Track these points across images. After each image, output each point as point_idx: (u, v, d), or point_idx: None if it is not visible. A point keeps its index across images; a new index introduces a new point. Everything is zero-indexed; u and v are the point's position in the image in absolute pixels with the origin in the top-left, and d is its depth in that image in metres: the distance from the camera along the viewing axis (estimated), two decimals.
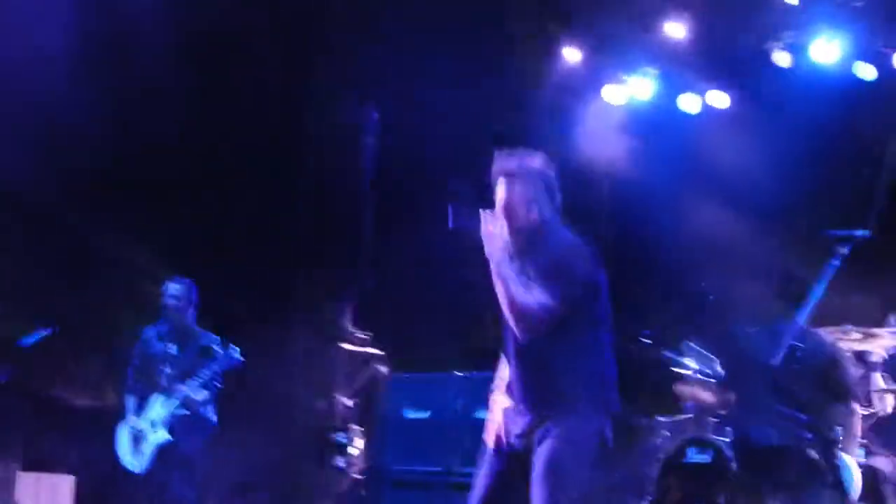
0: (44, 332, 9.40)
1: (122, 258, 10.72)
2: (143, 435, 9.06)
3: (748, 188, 10.79)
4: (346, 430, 11.42)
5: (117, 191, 11.10)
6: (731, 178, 11.03)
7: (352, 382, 11.71)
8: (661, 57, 12.17)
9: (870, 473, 8.36)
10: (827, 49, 11.08)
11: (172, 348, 9.30)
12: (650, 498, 9.21)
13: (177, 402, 9.12)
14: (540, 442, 5.55)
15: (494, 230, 5.44)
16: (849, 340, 8.22)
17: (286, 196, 12.04)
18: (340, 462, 11.20)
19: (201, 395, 9.19)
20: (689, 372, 9.45)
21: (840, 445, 7.31)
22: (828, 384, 7.25)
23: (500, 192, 5.60)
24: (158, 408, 9.09)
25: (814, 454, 6.86)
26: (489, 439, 5.92)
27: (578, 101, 12.51)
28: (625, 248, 12.39)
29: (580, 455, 5.52)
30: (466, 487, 9.73)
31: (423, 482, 10.11)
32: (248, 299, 11.32)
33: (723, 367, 8.15)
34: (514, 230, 5.52)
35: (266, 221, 11.79)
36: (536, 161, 5.71)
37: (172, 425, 9.10)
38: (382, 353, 11.70)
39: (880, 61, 10.95)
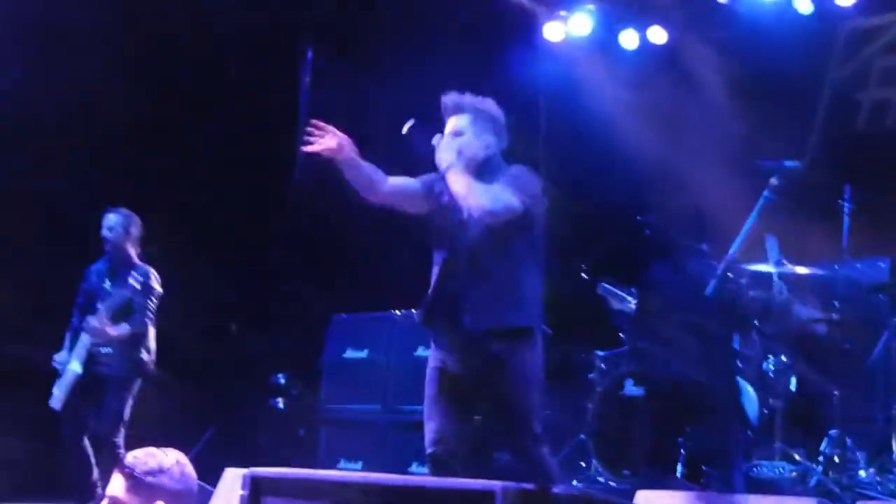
0: None
1: None
2: (63, 370, 8.75)
3: (686, 122, 10.79)
4: (284, 370, 11.43)
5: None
6: (669, 113, 11.03)
7: (290, 322, 11.71)
8: None
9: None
10: None
11: (107, 283, 8.95)
12: (588, 430, 9.27)
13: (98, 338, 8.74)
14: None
15: (446, 145, 5.90)
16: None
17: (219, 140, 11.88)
18: (279, 402, 11.23)
19: (121, 329, 8.75)
20: (621, 307, 9.49)
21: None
22: (734, 315, 7.33)
23: (453, 123, 6.02)
24: (81, 343, 8.72)
25: (719, 384, 6.93)
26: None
27: (518, 37, 12.43)
28: (563, 183, 12.40)
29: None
30: (404, 426, 9.84)
31: (361, 421, 10.10)
32: (182, 242, 11.21)
33: (641, 302, 8.19)
34: (466, 159, 5.91)
35: (196, 161, 11.63)
36: (487, 103, 6.14)
37: (92, 360, 8.72)
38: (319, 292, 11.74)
39: None
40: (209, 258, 11.31)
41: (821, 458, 7.86)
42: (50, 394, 8.78)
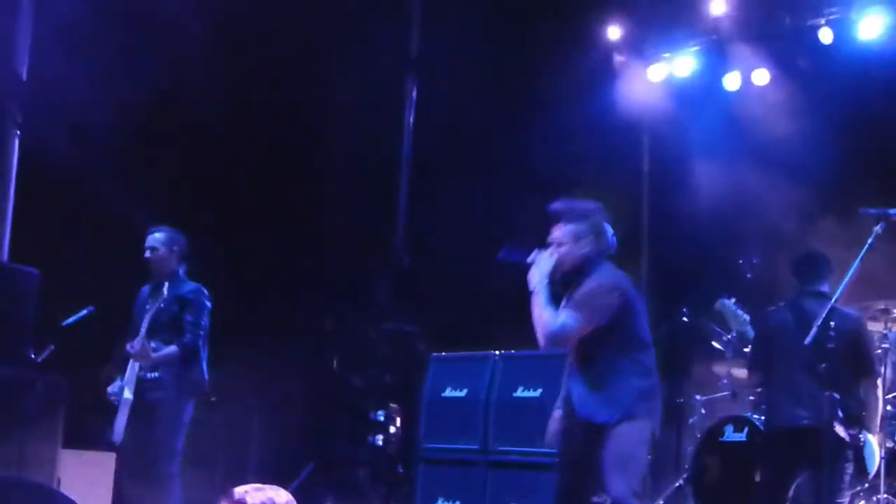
0: (84, 312, 9.22)
1: None
2: (118, 401, 8.36)
3: (788, 165, 10.69)
4: (384, 407, 11.48)
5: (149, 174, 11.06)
6: (771, 155, 10.95)
7: (391, 360, 11.78)
8: (702, 33, 12.11)
9: None
10: (871, 25, 10.96)
11: (152, 304, 8.47)
12: (687, 475, 9.21)
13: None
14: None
15: (541, 261, 6.47)
16: (889, 319, 8.18)
17: (321, 170, 12.04)
18: (378, 440, 11.28)
19: (166, 351, 8.38)
20: (724, 348, 9.42)
21: (864, 423, 7.31)
22: (854, 362, 7.22)
23: (553, 231, 6.61)
24: (131, 369, 8.34)
25: (840, 432, 6.84)
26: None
27: (620, 78, 12.46)
28: (665, 223, 12.38)
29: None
30: (502, 465, 9.83)
31: (459, 460, 10.10)
32: (281, 276, 11.34)
33: (753, 346, 8.11)
34: (561, 261, 6.52)
35: (301, 197, 11.79)
36: (586, 205, 6.75)
37: (140, 386, 8.33)
38: (419, 330, 11.79)
39: None
40: (312, 292, 11.44)
41: None
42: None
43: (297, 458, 11.05)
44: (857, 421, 7.21)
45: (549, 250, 6.54)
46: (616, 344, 6.53)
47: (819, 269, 7.29)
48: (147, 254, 8.63)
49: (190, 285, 8.63)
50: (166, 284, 8.41)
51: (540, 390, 9.99)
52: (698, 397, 9.73)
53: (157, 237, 8.65)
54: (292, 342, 11.20)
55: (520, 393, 10.03)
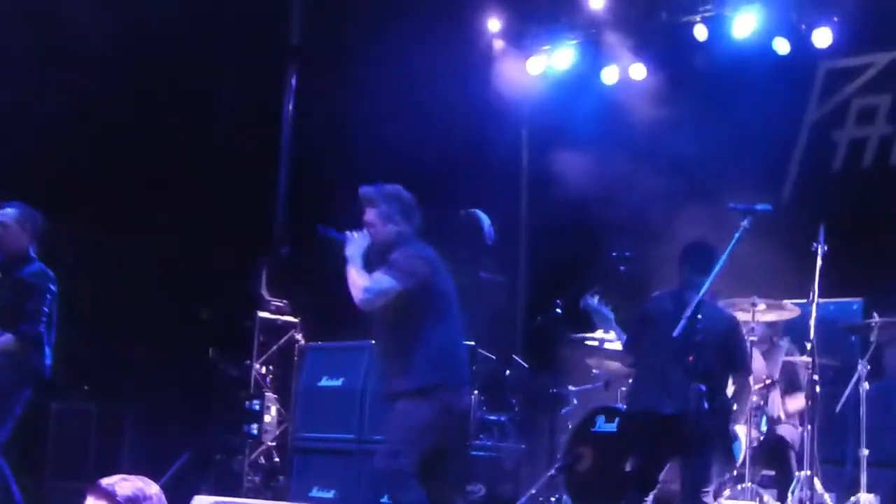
0: None
1: None
2: None
3: (663, 158, 10.86)
4: (260, 397, 11.43)
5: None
6: (647, 149, 11.11)
7: (267, 350, 11.73)
8: (581, 27, 12.23)
9: (776, 441, 8.56)
10: (744, 23, 11.17)
11: None
12: (560, 464, 9.31)
13: None
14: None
15: (356, 240, 7.00)
16: (756, 311, 8.36)
17: (201, 160, 11.94)
18: (253, 429, 11.23)
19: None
20: (596, 343, 9.55)
21: (732, 415, 7.46)
22: (725, 355, 7.36)
23: (365, 215, 7.12)
24: None
25: (707, 424, 6.97)
26: None
27: (500, 69, 12.53)
28: (542, 215, 12.49)
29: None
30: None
31: (335, 449, 10.10)
32: (160, 265, 11.23)
33: (630, 327, 8.22)
34: (375, 242, 7.05)
35: (180, 187, 11.67)
36: (394, 188, 7.22)
37: None
38: (297, 320, 11.76)
39: (796, 36, 11.03)
40: (189, 281, 11.34)
41: (790, 500, 7.89)
42: None
43: (171, 448, 10.94)
44: (725, 413, 7.35)
45: (363, 232, 7.06)
46: (416, 310, 6.94)
47: (707, 261, 7.41)
48: None
49: (34, 267, 8.23)
50: (21, 272, 8.09)
51: (342, 379, 10.11)
52: (571, 388, 9.84)
53: (8, 212, 8.25)
54: (168, 332, 11.08)
55: None
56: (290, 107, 12.35)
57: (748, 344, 7.91)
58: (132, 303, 11.13)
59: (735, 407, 7.50)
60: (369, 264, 7.00)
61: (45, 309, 8.14)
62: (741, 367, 7.52)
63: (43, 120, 10.64)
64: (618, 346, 9.50)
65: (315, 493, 9.99)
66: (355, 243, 6.99)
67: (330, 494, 9.97)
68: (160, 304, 11.20)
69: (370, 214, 7.10)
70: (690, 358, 6.70)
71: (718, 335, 7.20)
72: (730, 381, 7.49)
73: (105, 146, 11.37)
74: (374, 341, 7.40)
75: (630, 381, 9.33)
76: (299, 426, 10.42)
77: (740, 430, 7.89)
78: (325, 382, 10.35)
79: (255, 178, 12.10)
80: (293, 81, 12.41)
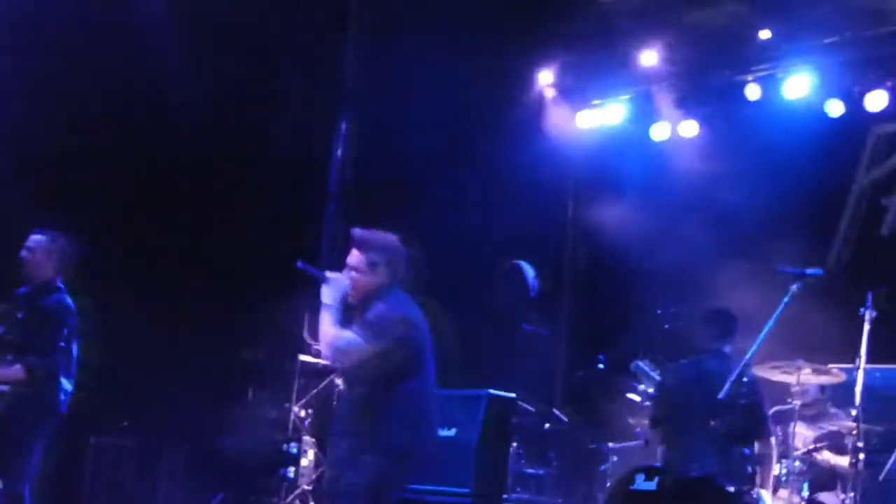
0: None
1: None
2: None
3: (711, 219, 10.82)
4: (297, 440, 11.42)
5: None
6: (694, 206, 11.08)
7: (306, 393, 11.73)
8: (633, 83, 12.25)
9: None
10: (797, 84, 11.16)
11: (18, 311, 7.96)
12: None
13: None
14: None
15: (335, 281, 6.68)
16: (801, 375, 8.30)
17: (250, 203, 11.99)
18: (290, 472, 11.21)
19: (10, 371, 7.80)
20: (639, 398, 9.49)
21: (757, 479, 7.41)
22: (750, 421, 7.30)
23: (352, 258, 6.80)
24: None
25: (730, 487, 6.92)
26: None
27: (550, 123, 12.56)
28: (587, 269, 12.47)
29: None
30: (414, 502, 9.81)
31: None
32: (206, 304, 11.24)
33: (653, 403, 8.19)
34: (354, 286, 6.72)
35: (224, 225, 11.71)
36: (386, 237, 6.87)
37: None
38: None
39: (849, 99, 11.00)
40: (233, 322, 11.37)
41: None
42: None
43: (208, 488, 10.94)
44: (749, 478, 7.29)
45: (344, 273, 6.75)
46: (387, 368, 6.57)
47: (726, 328, 7.33)
48: (23, 253, 8.08)
49: (54, 298, 8.04)
50: (52, 308, 7.93)
51: (455, 429, 10.01)
52: (611, 445, 9.77)
53: (36, 238, 8.11)
54: (206, 371, 11.09)
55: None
56: (339, 152, 12.39)
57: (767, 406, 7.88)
58: (176, 340, 11.14)
59: (759, 470, 7.45)
60: (347, 310, 6.75)
61: (62, 343, 7.93)
62: (764, 431, 7.48)
63: (93, 154, 10.77)
64: None
65: None
66: (334, 286, 6.70)
67: None
68: (203, 343, 11.21)
69: (356, 258, 6.81)
70: (715, 422, 6.66)
71: (747, 398, 7.15)
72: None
73: (165, 179, 11.47)
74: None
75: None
76: None
77: (765, 494, 7.82)
78: None
79: (301, 222, 12.13)
80: (343, 126, 12.47)
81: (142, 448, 11.10)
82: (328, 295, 6.66)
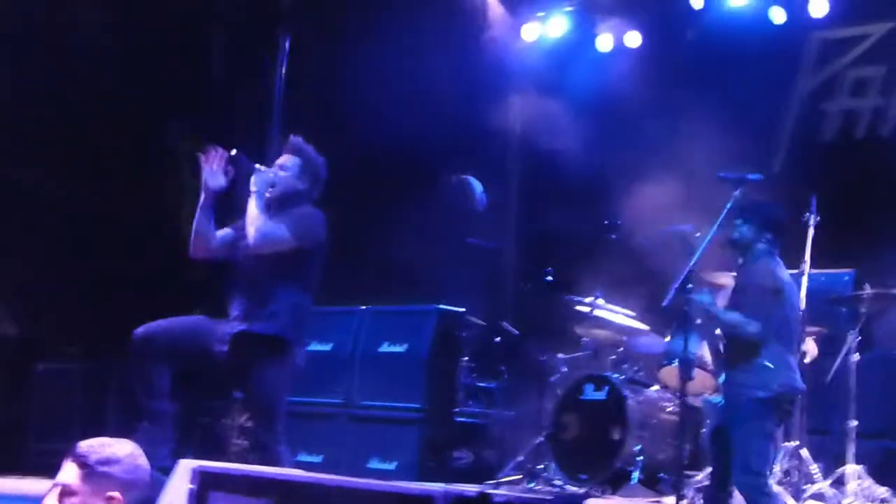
0: None
1: None
2: None
3: (653, 128, 10.82)
4: None
5: None
6: (638, 117, 11.07)
7: None
8: None
9: None
10: None
11: None
12: (547, 432, 9.32)
13: None
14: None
15: (262, 173, 7.02)
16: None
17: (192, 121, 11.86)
18: (239, 393, 11.19)
19: None
20: (587, 309, 9.55)
21: None
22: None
23: (285, 159, 7.22)
24: None
25: None
26: None
27: (493, 36, 12.46)
28: (534, 184, 12.46)
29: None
30: (366, 420, 9.88)
31: (322, 414, 10.11)
32: (147, 220, 11.17)
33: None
34: (277, 183, 7.06)
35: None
36: (316, 155, 7.26)
37: None
38: None
39: (791, 5, 10.98)
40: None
41: (778, 470, 7.88)
42: None
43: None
44: None
45: (273, 168, 7.13)
46: (297, 264, 6.98)
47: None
48: None
49: None
50: None
51: (405, 345, 10.06)
52: (560, 356, 9.83)
53: None
54: (154, 289, 11.02)
55: (385, 348, 10.07)
56: (283, 71, 12.24)
57: None
58: (117, 259, 11.06)
59: None
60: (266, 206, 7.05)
61: None
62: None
63: None
64: (607, 314, 9.52)
65: (303, 457, 9.96)
66: (262, 177, 7.01)
67: (318, 459, 9.99)
68: (147, 260, 11.14)
69: (289, 160, 7.19)
70: None
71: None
72: None
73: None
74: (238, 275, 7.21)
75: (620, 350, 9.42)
76: None
77: None
78: (314, 347, 10.27)
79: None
80: (286, 45, 12.31)
81: (88, 372, 11.05)
82: (257, 182, 6.97)
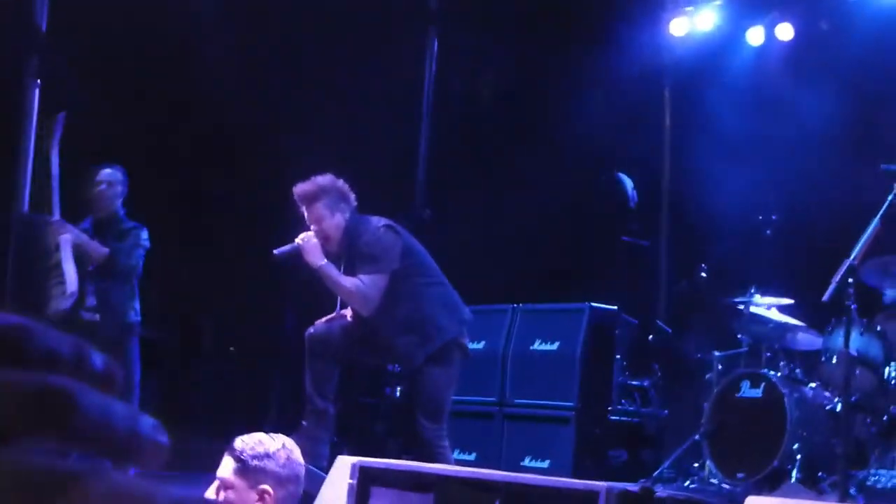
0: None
1: None
2: None
3: (809, 123, 10.63)
4: None
5: None
6: (793, 111, 10.88)
7: None
8: None
9: None
10: None
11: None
12: (702, 430, 9.22)
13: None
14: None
15: (309, 245, 6.81)
16: None
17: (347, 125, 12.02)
18: (396, 391, 11.32)
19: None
20: (742, 307, 9.42)
21: None
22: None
23: (309, 216, 6.97)
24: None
25: None
26: None
27: (642, 33, 12.39)
28: (686, 179, 12.34)
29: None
30: (520, 418, 9.89)
31: (476, 412, 10.15)
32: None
33: None
34: (326, 238, 6.90)
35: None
36: (321, 179, 6.99)
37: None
38: None
39: None
40: None
41: None
42: None
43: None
44: None
45: (311, 233, 6.89)
46: (416, 277, 7.01)
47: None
48: (102, 188, 8.37)
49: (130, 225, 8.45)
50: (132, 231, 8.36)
51: (557, 343, 10.04)
52: (716, 353, 9.71)
53: (109, 173, 8.45)
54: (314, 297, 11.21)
55: (537, 346, 10.06)
56: (433, 69, 12.30)
57: None
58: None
59: None
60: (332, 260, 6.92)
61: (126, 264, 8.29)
62: None
63: None
64: (762, 310, 9.38)
65: (457, 455, 10.02)
66: (309, 248, 6.82)
67: (471, 457, 10.04)
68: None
69: (315, 210, 6.92)
70: None
71: None
72: None
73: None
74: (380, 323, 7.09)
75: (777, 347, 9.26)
76: None
77: None
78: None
79: (398, 142, 12.14)
80: (435, 44, 12.38)
81: (250, 373, 11.29)
82: (312, 259, 6.80)
